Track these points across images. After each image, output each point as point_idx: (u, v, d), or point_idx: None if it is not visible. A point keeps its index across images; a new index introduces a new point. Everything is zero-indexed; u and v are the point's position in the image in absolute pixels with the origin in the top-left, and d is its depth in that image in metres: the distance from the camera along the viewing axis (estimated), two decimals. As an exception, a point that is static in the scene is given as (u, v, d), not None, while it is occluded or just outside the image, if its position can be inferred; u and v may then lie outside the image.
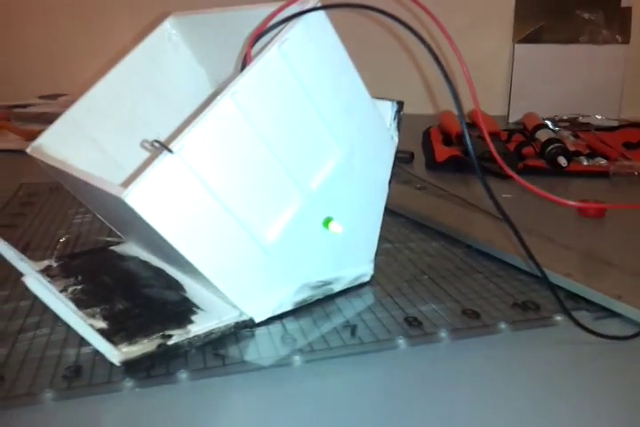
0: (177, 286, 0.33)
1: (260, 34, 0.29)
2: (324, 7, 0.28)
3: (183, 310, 0.31)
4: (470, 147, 0.28)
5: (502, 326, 0.30)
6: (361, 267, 0.35)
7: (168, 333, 0.28)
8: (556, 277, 0.34)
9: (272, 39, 0.28)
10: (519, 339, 0.30)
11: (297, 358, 0.27)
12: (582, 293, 0.33)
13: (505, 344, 0.29)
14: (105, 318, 0.30)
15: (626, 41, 0.83)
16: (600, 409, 0.25)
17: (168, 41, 0.38)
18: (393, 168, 0.35)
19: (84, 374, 0.26)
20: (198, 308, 0.31)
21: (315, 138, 0.30)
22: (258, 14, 0.32)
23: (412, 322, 0.31)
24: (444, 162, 0.63)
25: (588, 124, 0.83)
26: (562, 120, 0.83)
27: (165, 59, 0.39)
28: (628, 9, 0.85)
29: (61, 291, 0.33)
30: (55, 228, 0.46)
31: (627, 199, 0.54)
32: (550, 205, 0.50)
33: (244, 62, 0.28)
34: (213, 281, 0.28)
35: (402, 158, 0.67)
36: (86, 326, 0.26)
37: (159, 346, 0.27)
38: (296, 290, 0.32)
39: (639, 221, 0.46)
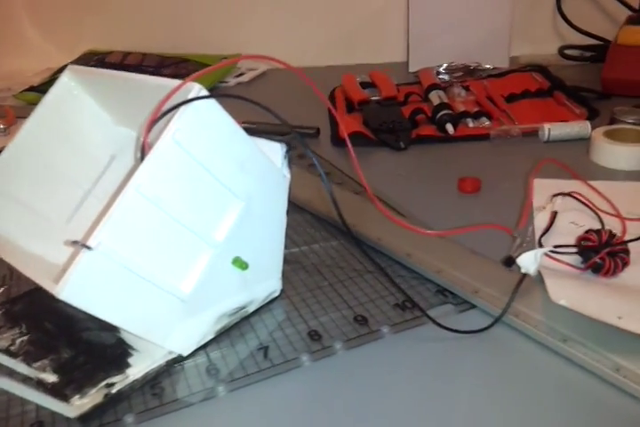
0: (111, 327, 0.38)
1: (153, 122, 0.32)
2: (207, 96, 0.31)
3: (120, 353, 0.36)
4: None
5: (385, 330, 0.37)
6: (270, 286, 0.41)
7: (111, 381, 0.34)
8: (428, 274, 0.42)
9: (166, 124, 0.31)
10: (399, 341, 0.37)
11: (220, 389, 0.34)
12: (448, 287, 0.41)
13: (388, 348, 0.36)
14: (54, 371, 0.35)
15: (510, -14, 0.86)
16: (467, 400, 0.32)
17: (69, 93, 0.41)
18: (288, 199, 0.40)
19: (46, 430, 0.32)
20: (133, 349, 0.36)
21: (216, 199, 0.35)
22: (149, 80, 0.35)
23: (314, 336, 0.37)
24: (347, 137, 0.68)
25: (480, 70, 0.88)
26: (456, 69, 0.87)
27: (69, 109, 0.41)
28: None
29: (10, 345, 0.37)
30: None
31: (505, 162, 0.61)
32: (434, 184, 0.57)
33: (143, 151, 0.32)
34: (140, 335, 0.33)
35: (308, 134, 0.71)
36: (37, 394, 0.32)
37: (105, 395, 0.33)
38: (215, 321, 0.37)
39: (511, 193, 0.53)
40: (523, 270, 0.38)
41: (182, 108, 0.32)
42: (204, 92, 0.32)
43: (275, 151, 0.39)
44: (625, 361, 0.33)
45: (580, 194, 0.47)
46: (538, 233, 0.45)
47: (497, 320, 0.37)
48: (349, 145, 0.42)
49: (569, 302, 0.35)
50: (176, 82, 0.33)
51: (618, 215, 0.45)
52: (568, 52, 0.91)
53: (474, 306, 0.39)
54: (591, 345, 0.34)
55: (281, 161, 0.39)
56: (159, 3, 1.02)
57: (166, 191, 0.32)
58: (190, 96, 0.32)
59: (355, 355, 0.36)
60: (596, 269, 0.40)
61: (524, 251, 0.38)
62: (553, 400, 0.32)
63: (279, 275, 0.41)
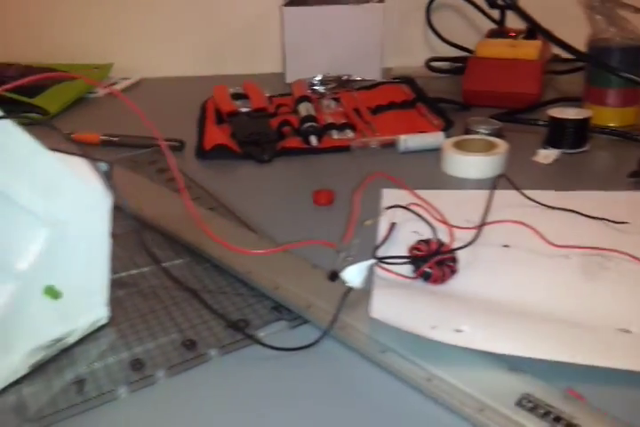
0: None
1: None
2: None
3: None
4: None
5: (213, 352, 0.36)
6: (95, 313, 0.39)
7: None
8: (266, 290, 0.41)
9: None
10: (227, 363, 0.36)
11: (26, 430, 0.31)
12: (284, 303, 0.40)
13: (215, 372, 0.35)
14: None
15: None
16: (292, 417, 0.32)
17: None
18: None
19: None
20: None
21: (17, 226, 0.33)
22: None
23: (136, 365, 0.36)
24: (211, 150, 0.66)
25: (352, 81, 0.89)
26: (330, 80, 0.88)
27: None
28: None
29: None
30: None
31: (362, 173, 0.61)
32: (292, 196, 0.57)
33: None
34: None
35: (172, 147, 0.69)
36: None
37: None
38: (28, 355, 0.35)
39: (362, 205, 0.54)
40: (348, 284, 0.38)
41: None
42: (-6, 113, 0.31)
43: (96, 171, 0.38)
44: (437, 370, 0.33)
45: (417, 204, 0.48)
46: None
47: (324, 335, 0.37)
48: (170, 157, 0.40)
49: (384, 315, 0.35)
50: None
51: (446, 224, 0.46)
52: (438, 63, 0.95)
53: (307, 321, 0.39)
54: (406, 355, 0.34)
55: (102, 181, 0.37)
56: (26, 11, 0.97)
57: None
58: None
59: (178, 382, 0.35)
60: (426, 278, 0.41)
61: (348, 265, 0.38)
62: (370, 412, 0.32)
63: (105, 301, 0.39)
